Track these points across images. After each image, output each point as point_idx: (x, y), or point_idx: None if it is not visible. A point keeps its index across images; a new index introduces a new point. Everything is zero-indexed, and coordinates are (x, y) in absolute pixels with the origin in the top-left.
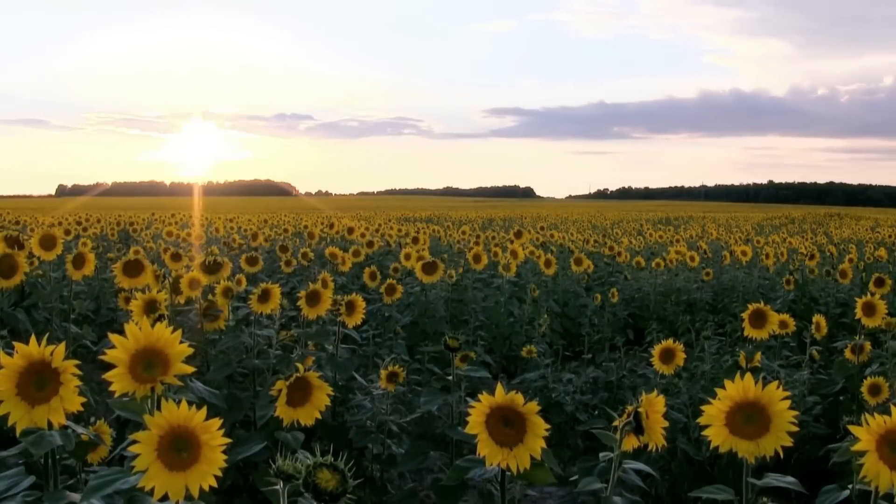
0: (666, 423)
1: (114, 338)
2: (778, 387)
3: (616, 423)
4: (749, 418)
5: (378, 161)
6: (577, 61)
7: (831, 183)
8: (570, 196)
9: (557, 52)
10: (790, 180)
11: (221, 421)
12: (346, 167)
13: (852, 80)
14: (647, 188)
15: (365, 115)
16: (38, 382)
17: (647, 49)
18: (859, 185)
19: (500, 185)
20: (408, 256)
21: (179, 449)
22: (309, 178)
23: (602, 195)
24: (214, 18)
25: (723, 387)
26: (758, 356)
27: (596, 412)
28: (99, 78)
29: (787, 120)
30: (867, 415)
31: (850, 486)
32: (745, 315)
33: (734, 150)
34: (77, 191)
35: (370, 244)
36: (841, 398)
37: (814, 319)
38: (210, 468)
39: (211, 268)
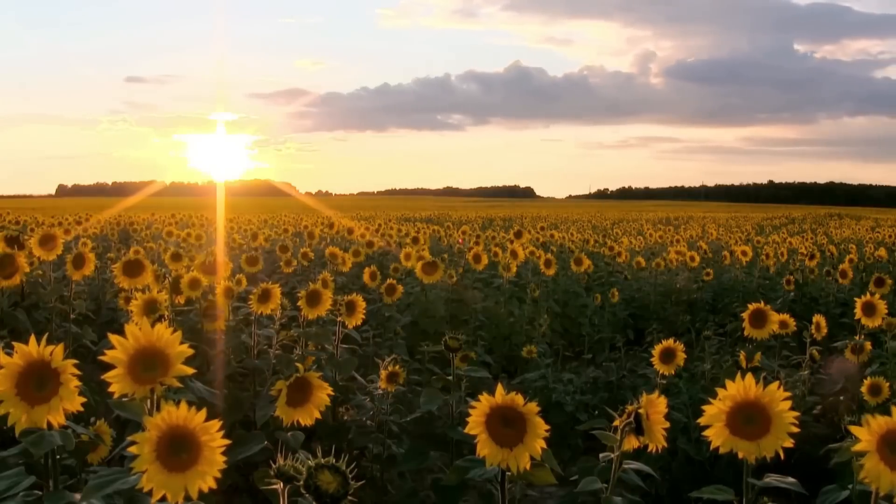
0: (667, 424)
1: (113, 338)
2: (778, 387)
3: (616, 423)
4: (749, 418)
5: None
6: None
7: (831, 183)
8: (571, 196)
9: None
10: (789, 180)
11: (221, 422)
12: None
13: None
14: (647, 188)
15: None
16: (37, 382)
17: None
18: (860, 184)
19: (500, 185)
20: (408, 256)
21: (179, 450)
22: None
23: (602, 195)
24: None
25: (723, 387)
26: (758, 356)
27: (596, 412)
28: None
29: (614, 105)
30: (867, 415)
31: (850, 487)
32: (745, 315)
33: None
34: (78, 191)
35: (370, 244)
36: (841, 398)
37: (814, 319)
38: (209, 469)
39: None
